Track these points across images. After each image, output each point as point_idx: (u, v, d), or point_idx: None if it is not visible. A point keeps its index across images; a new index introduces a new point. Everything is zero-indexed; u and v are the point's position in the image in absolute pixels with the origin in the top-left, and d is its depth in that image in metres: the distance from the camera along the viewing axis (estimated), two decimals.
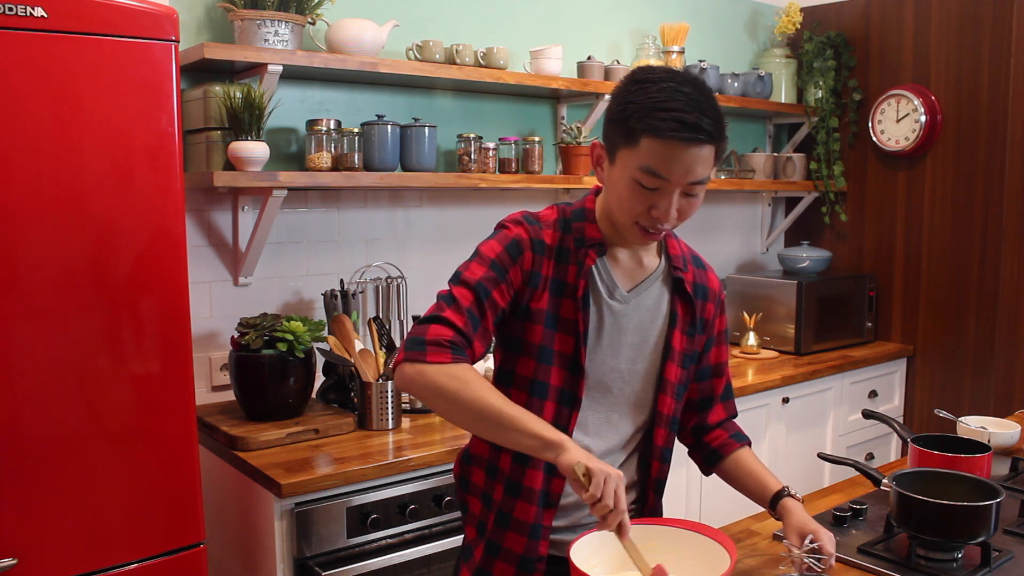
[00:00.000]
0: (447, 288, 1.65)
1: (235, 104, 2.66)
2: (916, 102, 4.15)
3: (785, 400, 3.76)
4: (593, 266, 1.72)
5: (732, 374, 3.66)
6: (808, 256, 4.37)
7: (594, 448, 1.75)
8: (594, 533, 1.63)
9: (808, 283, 4.08)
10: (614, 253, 1.76)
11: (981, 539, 1.80)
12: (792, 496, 1.78)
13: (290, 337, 2.71)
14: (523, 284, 1.68)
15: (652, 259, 1.80)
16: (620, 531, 1.51)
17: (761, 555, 1.89)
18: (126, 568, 2.18)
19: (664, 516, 1.83)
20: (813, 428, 3.95)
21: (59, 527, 2.09)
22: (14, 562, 2.04)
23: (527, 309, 1.68)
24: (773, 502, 1.79)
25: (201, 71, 2.80)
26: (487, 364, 2.96)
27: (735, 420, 1.97)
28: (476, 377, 1.55)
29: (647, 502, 1.83)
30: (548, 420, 1.67)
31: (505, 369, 1.72)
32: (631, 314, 1.75)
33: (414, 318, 1.74)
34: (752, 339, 4.11)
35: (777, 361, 3.98)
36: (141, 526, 2.19)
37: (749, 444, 1.92)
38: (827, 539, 1.68)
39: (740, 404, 3.52)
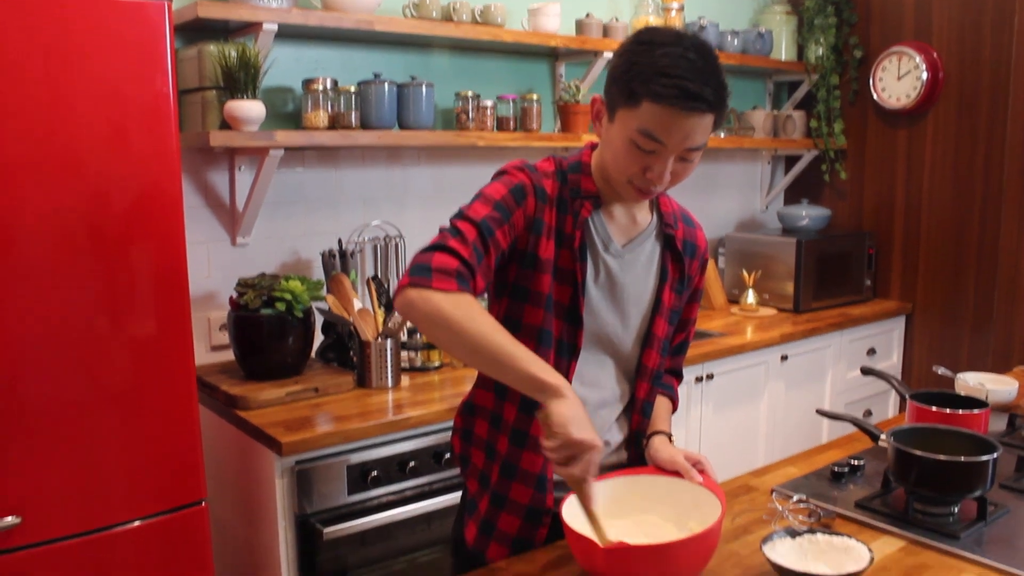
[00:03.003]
0: (450, 223, 1.63)
1: (230, 63, 2.64)
2: (918, 59, 4.12)
3: (784, 358, 3.77)
4: (588, 219, 1.72)
5: (731, 331, 3.68)
6: (807, 214, 4.36)
7: (590, 399, 1.76)
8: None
9: (807, 241, 4.07)
10: (609, 208, 1.76)
11: (977, 494, 1.81)
12: (667, 436, 1.82)
13: (288, 297, 2.71)
14: (526, 229, 1.67)
15: (645, 215, 1.80)
16: (584, 498, 1.52)
17: (758, 510, 1.90)
18: (128, 526, 2.19)
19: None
20: (812, 385, 3.95)
21: (61, 486, 2.10)
22: (18, 521, 2.05)
23: (535, 257, 1.68)
24: (648, 438, 1.82)
25: (195, 30, 2.78)
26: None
27: (674, 377, 1.99)
28: (481, 309, 1.53)
29: (628, 455, 1.85)
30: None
31: (511, 318, 1.71)
32: (626, 269, 1.76)
33: (404, 272, 1.71)
34: (751, 297, 4.11)
35: (776, 319, 3.98)
36: (143, 485, 2.20)
37: (671, 399, 1.95)
38: (703, 459, 1.73)
39: (739, 361, 3.56)
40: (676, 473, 1.72)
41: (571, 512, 1.59)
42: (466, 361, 1.56)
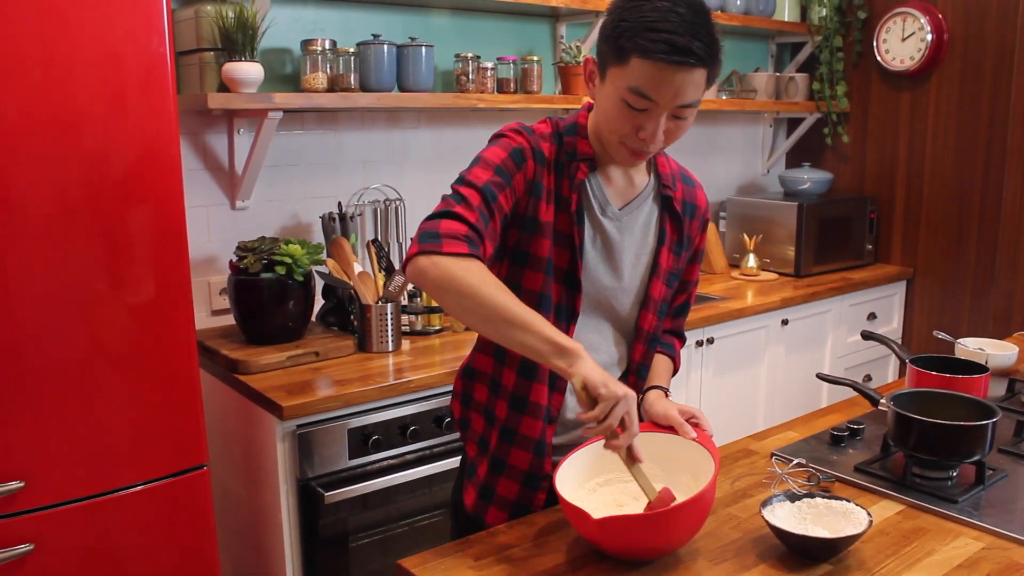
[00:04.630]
0: (452, 189, 1.62)
1: (228, 24, 2.62)
2: (922, 20, 4.09)
3: (784, 322, 3.77)
4: (585, 181, 1.72)
5: (732, 295, 3.68)
6: (809, 178, 4.35)
7: None
8: (575, 454, 1.66)
9: (809, 205, 4.06)
10: (606, 171, 1.75)
11: (976, 458, 1.82)
12: (663, 390, 1.82)
13: (288, 260, 2.70)
14: (526, 192, 1.67)
15: (642, 177, 1.80)
16: (629, 455, 1.55)
17: (758, 474, 1.91)
18: (131, 490, 2.21)
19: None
20: (812, 350, 3.96)
21: (64, 450, 2.11)
22: (21, 484, 2.06)
23: (535, 221, 1.68)
24: (643, 393, 1.83)
25: None
26: None
27: (675, 338, 2.00)
28: (491, 275, 1.53)
29: None
30: None
31: (511, 282, 1.71)
32: (623, 231, 1.76)
33: (412, 239, 1.73)
34: (752, 261, 4.11)
35: (777, 283, 3.98)
36: (145, 449, 2.21)
37: (671, 359, 1.96)
38: (698, 413, 1.73)
39: (740, 325, 3.56)
40: (670, 428, 1.72)
41: (564, 480, 1.60)
42: (478, 327, 1.56)
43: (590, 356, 1.50)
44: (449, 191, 1.62)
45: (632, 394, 1.50)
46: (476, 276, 1.50)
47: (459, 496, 1.89)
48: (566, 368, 1.49)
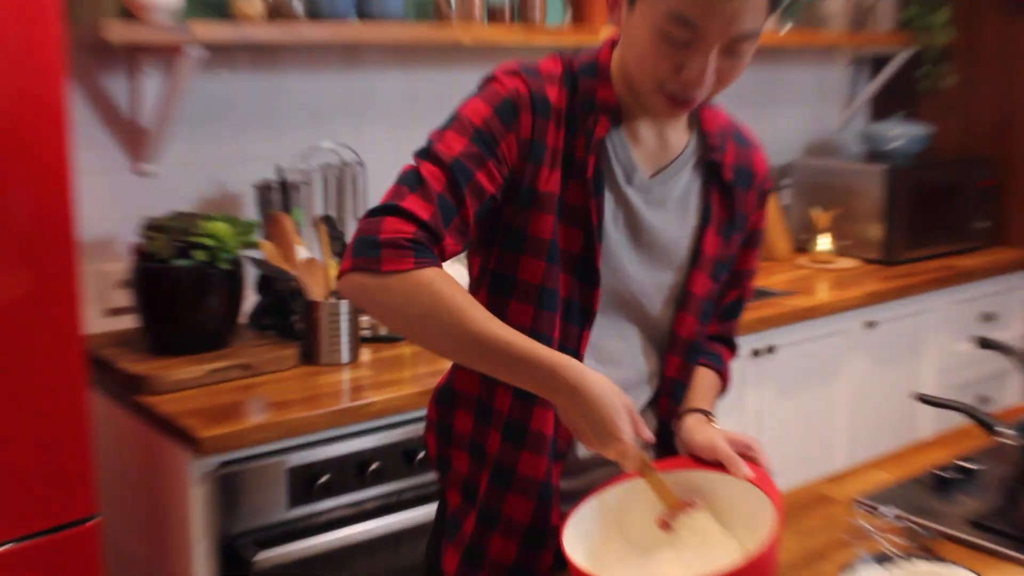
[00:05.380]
0: (413, 164, 1.62)
1: None
2: None
3: (869, 324, 3.77)
4: (606, 139, 1.70)
5: (799, 289, 3.72)
6: (900, 134, 4.35)
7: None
8: (591, 501, 1.67)
9: (900, 170, 4.07)
10: (633, 126, 1.74)
11: None
12: (706, 415, 1.83)
13: (211, 243, 2.70)
14: (521, 159, 1.66)
15: (681, 136, 1.79)
16: (643, 470, 1.60)
17: (837, 529, 1.89)
18: None
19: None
20: (907, 361, 3.96)
21: None
22: None
23: (532, 192, 1.67)
24: (680, 417, 1.84)
25: None
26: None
27: (724, 347, 2.00)
28: (447, 287, 1.54)
29: (657, 453, 1.84)
30: (555, 339, 1.69)
31: (502, 273, 1.71)
32: (655, 207, 1.75)
33: (348, 247, 1.76)
34: (826, 244, 4.12)
35: (859, 273, 3.98)
36: (15, 496, 2.20)
37: (718, 374, 1.96)
38: (754, 444, 1.74)
39: (810, 329, 3.59)
40: (717, 465, 1.71)
41: (576, 538, 1.59)
42: (447, 356, 1.67)
43: (584, 377, 1.55)
44: (410, 165, 1.63)
45: (627, 402, 1.57)
46: (426, 297, 1.54)
47: (436, 559, 1.87)
48: (552, 396, 1.58)
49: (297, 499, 2.50)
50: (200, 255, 2.70)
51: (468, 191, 1.60)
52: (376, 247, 1.55)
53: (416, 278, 1.53)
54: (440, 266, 1.57)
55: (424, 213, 1.56)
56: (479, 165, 1.61)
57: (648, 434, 1.60)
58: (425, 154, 1.62)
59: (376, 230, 1.56)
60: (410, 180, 1.60)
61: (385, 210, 1.58)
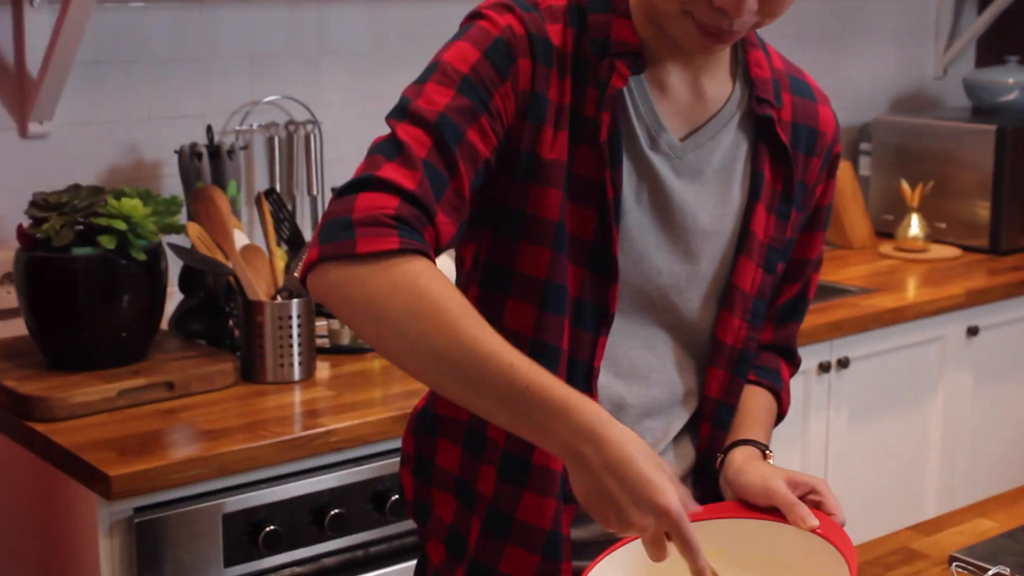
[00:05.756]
0: (388, 127, 1.62)
1: None
2: None
3: (972, 331, 3.77)
4: (625, 91, 1.70)
5: (881, 286, 3.72)
6: (1015, 84, 4.35)
7: (631, 401, 1.77)
8: (612, 556, 1.66)
9: (1016, 130, 4.06)
10: (659, 74, 1.74)
11: None
12: (759, 448, 1.83)
13: (121, 226, 2.69)
14: (519, 116, 1.66)
15: (722, 85, 1.79)
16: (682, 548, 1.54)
17: None
18: None
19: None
20: (1022, 377, 3.96)
21: None
22: None
23: (532, 160, 1.67)
24: (725, 452, 1.84)
25: None
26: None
27: (781, 359, 2.01)
28: (438, 285, 1.51)
29: (697, 492, 1.84)
30: (563, 349, 1.69)
31: (496, 265, 1.71)
32: (688, 178, 1.75)
33: (333, 190, 1.72)
34: (915, 226, 4.12)
35: (960, 264, 3.99)
36: None
37: (775, 395, 1.98)
38: (821, 486, 1.74)
39: (895, 337, 3.59)
40: (774, 513, 1.71)
41: None
42: (429, 382, 1.61)
43: (615, 426, 1.47)
44: (386, 128, 1.62)
45: (676, 508, 1.45)
46: (407, 297, 1.50)
47: None
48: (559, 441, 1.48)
49: (236, 554, 2.49)
50: (107, 241, 2.67)
51: (461, 154, 1.59)
52: (349, 227, 1.52)
53: (399, 268, 1.50)
54: (430, 256, 1.55)
55: (408, 182, 1.54)
56: (471, 120, 1.61)
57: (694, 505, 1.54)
58: (400, 114, 1.61)
59: (349, 209, 1.53)
60: (385, 148, 1.58)
61: (357, 185, 1.55)
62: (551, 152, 1.67)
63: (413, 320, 1.49)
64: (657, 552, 1.49)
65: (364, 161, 1.59)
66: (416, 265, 1.51)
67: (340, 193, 1.57)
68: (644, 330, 1.78)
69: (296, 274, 2.75)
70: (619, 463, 1.44)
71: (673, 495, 1.44)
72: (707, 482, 1.85)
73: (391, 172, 1.55)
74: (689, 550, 1.47)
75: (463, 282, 1.78)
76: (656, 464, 1.46)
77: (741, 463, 1.79)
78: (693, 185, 1.75)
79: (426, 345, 1.50)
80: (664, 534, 1.47)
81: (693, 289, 1.78)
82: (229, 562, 2.49)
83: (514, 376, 1.47)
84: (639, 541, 1.64)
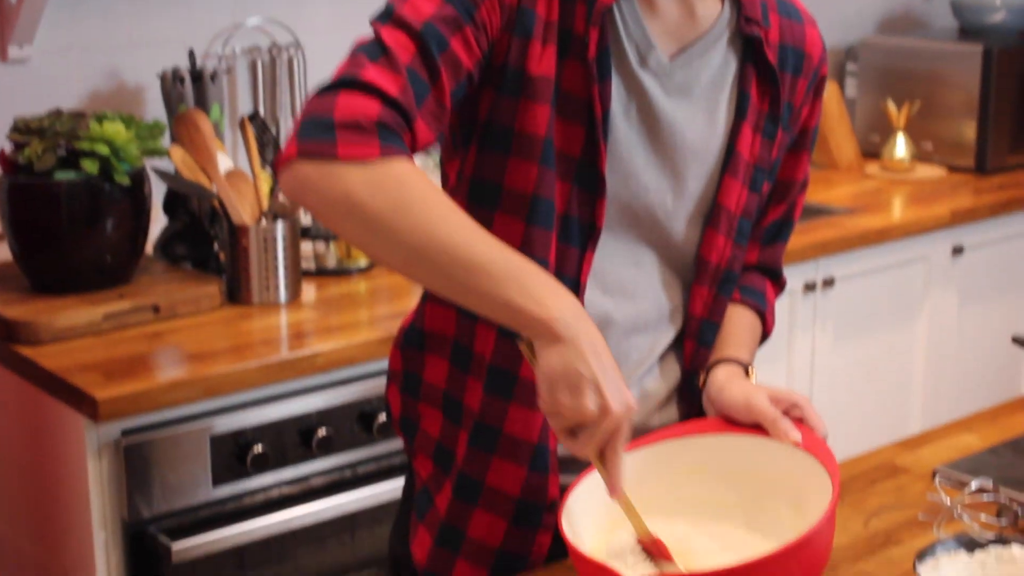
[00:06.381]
0: (373, 30, 1.60)
1: None
2: None
3: (957, 251, 3.79)
4: (614, 8, 1.70)
5: (866, 206, 3.72)
6: (1004, 3, 4.32)
7: (617, 318, 1.77)
8: (593, 476, 1.66)
9: (1002, 50, 4.04)
10: None
11: None
12: (741, 366, 1.84)
13: (104, 150, 2.68)
14: (505, 29, 1.65)
15: (711, 4, 1.78)
16: (608, 485, 1.56)
17: (911, 506, 1.91)
18: None
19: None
20: (1003, 297, 3.99)
21: None
22: None
23: (519, 75, 1.66)
24: (708, 370, 1.86)
25: None
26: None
27: (767, 279, 2.01)
28: (422, 185, 1.52)
29: (680, 411, 1.87)
30: (550, 263, 1.69)
31: (483, 180, 1.71)
32: (676, 96, 1.75)
33: (292, 131, 1.71)
34: (901, 147, 4.11)
35: (945, 184, 3.99)
36: None
37: (759, 315, 1.98)
38: (802, 401, 1.74)
39: (880, 256, 3.60)
40: (757, 428, 1.73)
41: (578, 517, 1.61)
42: (411, 275, 1.62)
43: (583, 324, 1.49)
44: (368, 35, 1.61)
45: (625, 410, 1.49)
46: (396, 194, 1.50)
47: (403, 545, 1.90)
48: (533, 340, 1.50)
49: (224, 475, 2.51)
50: (90, 166, 2.67)
51: (443, 63, 1.58)
52: (330, 129, 1.51)
53: (382, 170, 1.50)
54: (411, 158, 1.55)
55: (391, 87, 1.53)
56: (455, 29, 1.59)
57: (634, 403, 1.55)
58: (386, 17, 1.59)
59: (329, 109, 1.52)
60: (369, 50, 1.57)
61: (340, 85, 1.54)
62: (538, 68, 1.66)
63: (395, 221, 1.50)
64: (573, 446, 1.51)
65: (346, 60, 1.58)
66: (398, 167, 1.51)
67: (322, 91, 1.55)
68: (630, 247, 1.78)
69: (271, 169, 2.76)
70: (593, 352, 1.47)
71: (603, 395, 1.46)
72: (691, 400, 1.86)
73: (374, 75, 1.54)
74: (609, 466, 1.53)
75: None
76: (599, 375, 1.47)
77: (724, 380, 1.80)
78: (681, 103, 1.75)
79: (409, 246, 1.51)
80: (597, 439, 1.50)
81: (679, 207, 1.78)
82: (217, 482, 2.51)
83: (495, 274, 1.49)
84: (633, 453, 1.67)
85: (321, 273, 3.02)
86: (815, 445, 1.67)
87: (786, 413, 1.72)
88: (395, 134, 1.53)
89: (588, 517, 1.64)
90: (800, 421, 1.72)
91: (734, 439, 1.73)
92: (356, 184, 1.50)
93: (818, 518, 1.50)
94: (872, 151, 4.30)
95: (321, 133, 1.51)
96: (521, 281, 1.50)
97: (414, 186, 1.51)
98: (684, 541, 1.65)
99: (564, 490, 1.67)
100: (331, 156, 1.50)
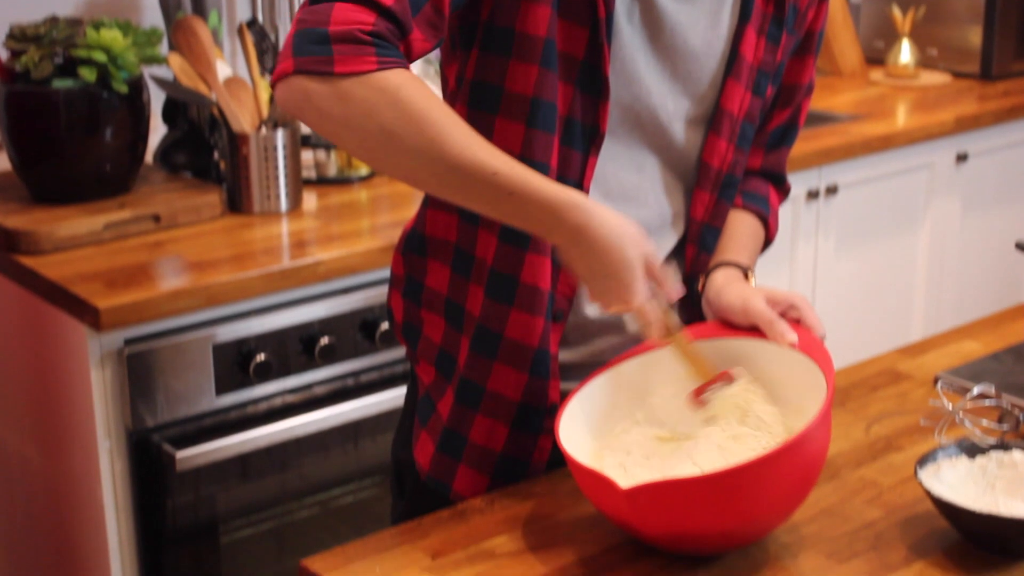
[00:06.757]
0: None
1: None
2: None
3: (961, 157, 3.78)
4: None
5: (870, 113, 3.71)
6: None
7: None
8: (596, 381, 1.70)
9: None
10: None
11: None
12: (741, 269, 1.85)
13: (102, 58, 2.67)
14: None
15: None
16: (669, 335, 1.62)
17: (912, 412, 1.92)
18: None
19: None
20: (1007, 204, 3.99)
21: None
22: None
23: None
24: (707, 274, 1.88)
25: None
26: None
27: (770, 185, 2.02)
28: (420, 95, 1.51)
29: (683, 315, 1.87)
30: (552, 168, 1.69)
31: (483, 83, 1.70)
32: (677, 1, 1.73)
33: (286, 44, 1.69)
34: (906, 53, 4.10)
35: (950, 90, 3.97)
36: None
37: (762, 220, 1.99)
38: (800, 302, 1.76)
39: (883, 163, 3.60)
40: (754, 330, 1.73)
41: (576, 426, 1.62)
42: (413, 182, 1.65)
43: (591, 214, 1.55)
44: None
45: (645, 250, 1.58)
46: (391, 109, 1.50)
47: (406, 451, 1.91)
48: (552, 239, 1.57)
49: (227, 384, 2.52)
50: (87, 74, 2.66)
51: None
52: (325, 42, 1.50)
53: (380, 82, 1.50)
54: (408, 68, 1.54)
55: None
56: None
57: (675, 290, 1.62)
58: None
59: (324, 20, 1.51)
60: None
61: None
62: None
63: (396, 133, 1.51)
64: (644, 329, 1.64)
65: None
66: (395, 77, 1.51)
67: (314, 0, 1.54)
68: (632, 151, 1.77)
69: (269, 84, 2.75)
70: (597, 253, 1.56)
71: (640, 285, 1.58)
72: (691, 305, 1.86)
73: None
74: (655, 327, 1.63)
75: (447, 101, 1.76)
76: (632, 256, 1.57)
77: (722, 284, 1.81)
78: (685, 6, 1.73)
79: (412, 156, 1.52)
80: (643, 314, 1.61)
81: (682, 110, 1.78)
82: (220, 390, 2.52)
83: (498, 183, 1.52)
84: (624, 365, 1.71)
85: (322, 181, 3.02)
86: (812, 346, 1.67)
87: (784, 315, 1.73)
88: (391, 44, 1.52)
89: (586, 425, 1.65)
90: (797, 322, 1.72)
91: (732, 343, 1.73)
92: (352, 103, 1.50)
93: (816, 416, 1.51)
94: (876, 57, 4.29)
95: (316, 47, 1.50)
96: (526, 177, 1.53)
97: (412, 97, 1.50)
98: (684, 444, 1.67)
99: (564, 396, 1.69)
100: (328, 71, 1.50)
